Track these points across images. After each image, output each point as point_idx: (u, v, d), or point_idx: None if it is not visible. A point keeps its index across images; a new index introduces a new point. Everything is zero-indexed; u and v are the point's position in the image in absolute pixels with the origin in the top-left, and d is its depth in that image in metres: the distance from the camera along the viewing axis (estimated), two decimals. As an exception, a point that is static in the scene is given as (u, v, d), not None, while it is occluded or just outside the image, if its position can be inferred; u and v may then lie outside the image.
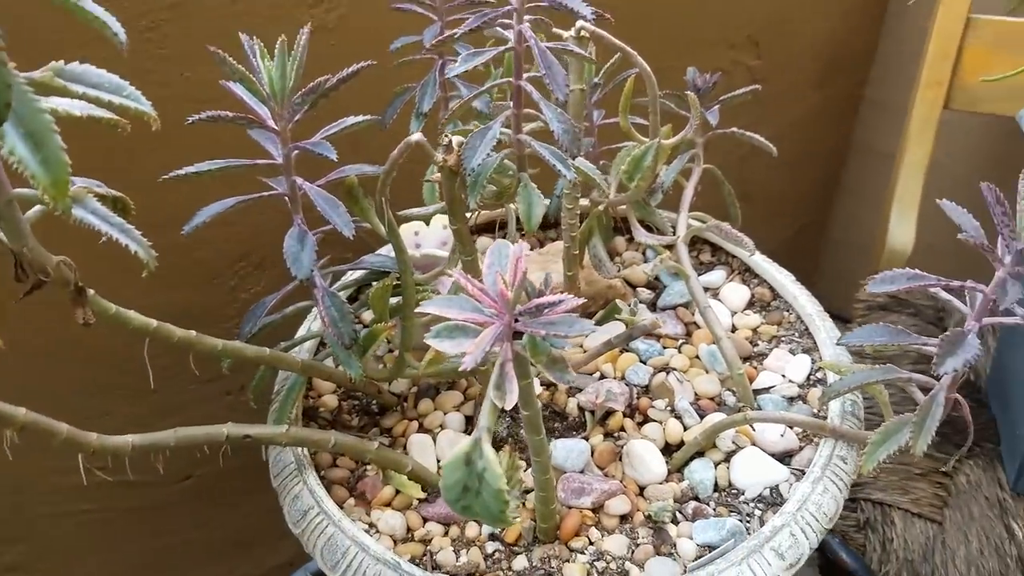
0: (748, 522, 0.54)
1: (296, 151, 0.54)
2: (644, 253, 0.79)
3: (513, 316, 0.41)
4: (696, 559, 0.51)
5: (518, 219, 0.57)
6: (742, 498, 0.56)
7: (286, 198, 0.56)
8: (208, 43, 0.73)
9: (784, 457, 0.58)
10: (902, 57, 1.38)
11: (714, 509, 0.55)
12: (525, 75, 0.52)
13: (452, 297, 0.42)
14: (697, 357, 0.67)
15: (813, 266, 1.61)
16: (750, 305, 0.72)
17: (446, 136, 0.50)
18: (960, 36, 1.03)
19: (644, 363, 0.66)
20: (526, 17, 0.52)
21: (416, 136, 0.49)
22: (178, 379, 0.86)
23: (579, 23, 0.62)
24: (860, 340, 0.50)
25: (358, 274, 0.66)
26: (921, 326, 1.03)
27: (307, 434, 0.55)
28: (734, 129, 0.75)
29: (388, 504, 0.57)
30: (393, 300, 0.60)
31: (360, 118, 0.57)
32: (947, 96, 1.06)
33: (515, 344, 0.42)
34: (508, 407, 0.40)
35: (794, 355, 0.65)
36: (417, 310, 0.44)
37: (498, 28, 0.52)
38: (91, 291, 0.46)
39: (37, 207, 0.41)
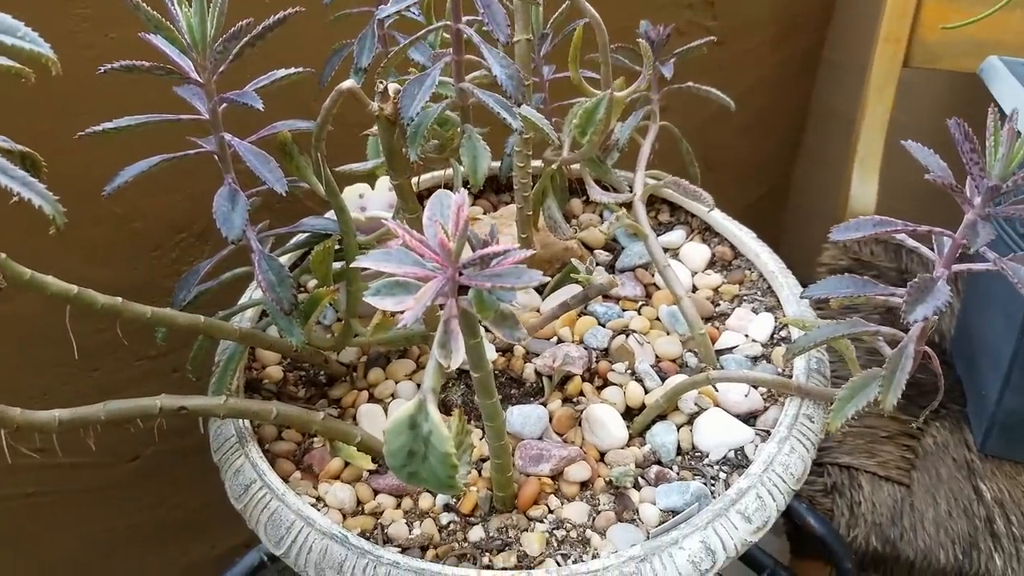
0: (713, 485, 0.52)
1: (224, 104, 0.50)
2: (601, 215, 0.77)
3: (457, 269, 0.38)
4: (659, 524, 0.49)
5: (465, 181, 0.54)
6: (706, 461, 0.53)
7: (215, 156, 0.53)
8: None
9: (749, 418, 0.56)
10: (859, 16, 1.36)
11: (677, 473, 0.53)
12: (465, 19, 0.49)
13: (390, 250, 0.39)
14: (657, 319, 0.64)
15: (776, 233, 1.60)
16: (711, 264, 0.70)
17: (380, 83, 0.47)
18: (918, -9, 1.01)
19: (603, 326, 0.63)
20: (467, -43, 0.49)
21: (348, 83, 0.46)
22: (121, 356, 0.82)
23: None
24: (825, 292, 0.48)
25: (299, 238, 0.63)
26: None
27: (247, 405, 0.52)
28: (690, 84, 0.72)
29: (336, 477, 0.54)
30: (337, 265, 0.57)
31: (291, 71, 0.53)
32: (906, 53, 1.04)
33: (460, 300, 0.39)
34: (453, 366, 0.38)
35: (756, 314, 0.63)
36: (352, 265, 0.40)
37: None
38: (2, 255, 0.42)
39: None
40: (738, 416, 0.56)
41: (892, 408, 0.45)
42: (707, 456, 0.54)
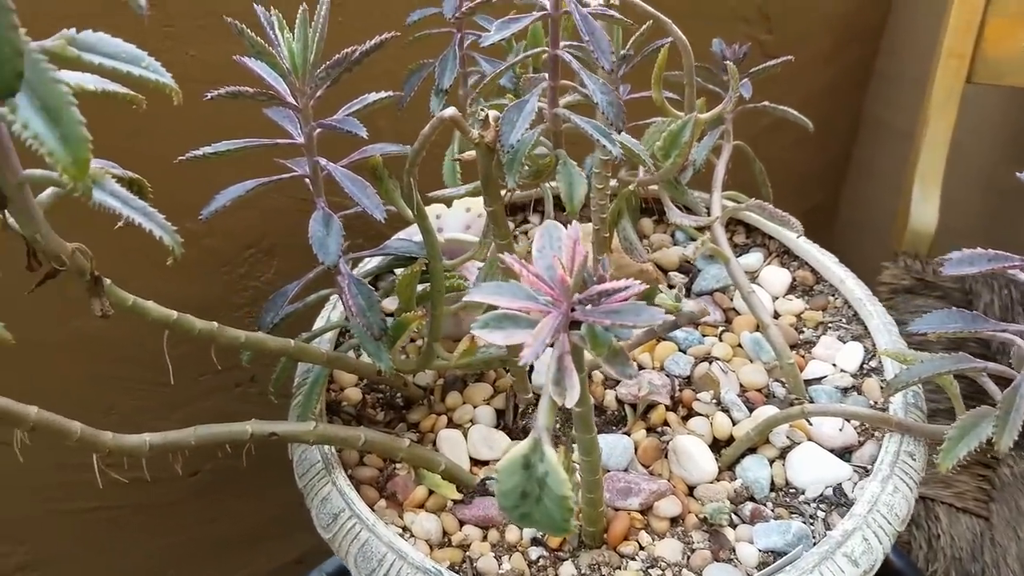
0: (811, 524, 0.50)
1: (318, 130, 0.50)
2: (673, 235, 0.76)
3: (571, 304, 0.37)
4: (759, 566, 0.48)
5: (555, 199, 0.53)
6: (802, 498, 0.52)
7: (307, 180, 0.53)
8: (212, 20, 0.70)
9: (843, 453, 0.54)
10: (916, 29, 1.34)
11: (772, 510, 0.51)
12: (562, 44, 0.48)
13: (503, 284, 0.38)
14: (739, 345, 0.63)
15: (825, 246, 1.58)
16: (791, 289, 0.68)
17: (482, 111, 0.46)
18: (983, 8, 0.99)
19: (684, 352, 0.62)
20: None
21: (450, 111, 0.45)
22: (186, 371, 0.82)
23: (612, -11, 0.58)
24: (933, 327, 0.46)
25: (375, 260, 0.62)
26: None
27: (335, 431, 0.51)
28: (766, 103, 0.72)
29: (421, 506, 0.54)
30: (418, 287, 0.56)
31: (382, 94, 0.53)
32: (969, 69, 1.02)
33: (572, 335, 0.38)
34: (569, 404, 0.37)
35: (844, 343, 0.62)
36: (465, 299, 0.40)
37: (537, -6, 0.48)
38: (107, 281, 0.42)
39: (50, 190, 0.37)
40: (832, 451, 0.54)
41: (1007, 450, 0.44)
42: (803, 493, 0.52)
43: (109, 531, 0.85)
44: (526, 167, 0.49)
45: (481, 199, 0.66)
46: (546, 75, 0.50)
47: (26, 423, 0.43)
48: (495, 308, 0.38)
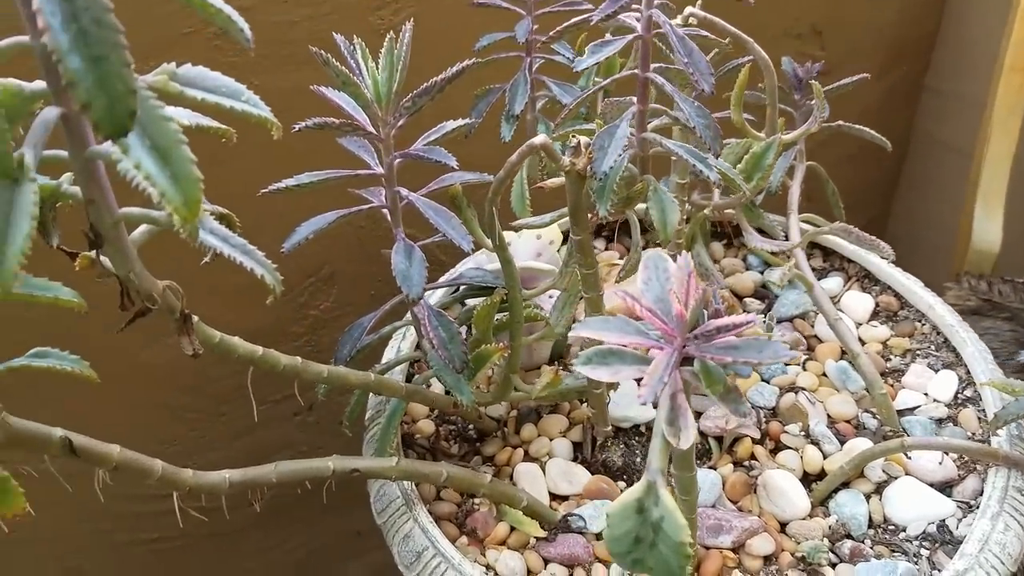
0: (916, 563, 0.48)
1: (399, 160, 0.49)
2: (745, 259, 0.74)
3: (685, 340, 0.35)
4: (863, 607, 0.46)
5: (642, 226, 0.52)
6: (903, 535, 0.50)
7: (385, 211, 0.52)
8: (275, 48, 0.69)
9: (943, 487, 0.52)
10: (970, 44, 1.31)
11: (872, 548, 0.49)
12: (659, 65, 0.47)
13: (609, 318, 0.37)
14: (824, 375, 0.61)
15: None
16: (874, 315, 0.66)
17: (573, 137, 0.45)
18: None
19: (767, 382, 0.60)
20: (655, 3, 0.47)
21: (540, 139, 0.44)
22: (246, 400, 0.81)
23: (688, 9, 0.56)
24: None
25: (439, 291, 0.61)
26: (1020, 332, 0.96)
27: (418, 467, 0.50)
28: (840, 122, 0.70)
29: (503, 542, 0.52)
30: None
31: (460, 122, 0.52)
32: (1034, 83, 1.00)
33: (683, 371, 0.37)
34: (684, 446, 0.35)
35: (935, 371, 0.59)
36: (571, 334, 0.38)
37: (623, 17, 0.47)
38: (195, 318, 0.41)
39: (143, 228, 0.37)
40: (932, 485, 0.52)
41: None
42: (903, 530, 0.50)
43: (169, 562, 0.85)
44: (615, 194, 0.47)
45: (550, 228, 0.65)
46: (632, 99, 0.49)
47: (109, 463, 0.42)
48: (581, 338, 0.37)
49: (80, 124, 0.31)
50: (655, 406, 0.36)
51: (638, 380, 0.60)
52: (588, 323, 0.37)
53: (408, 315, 0.60)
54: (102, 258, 0.36)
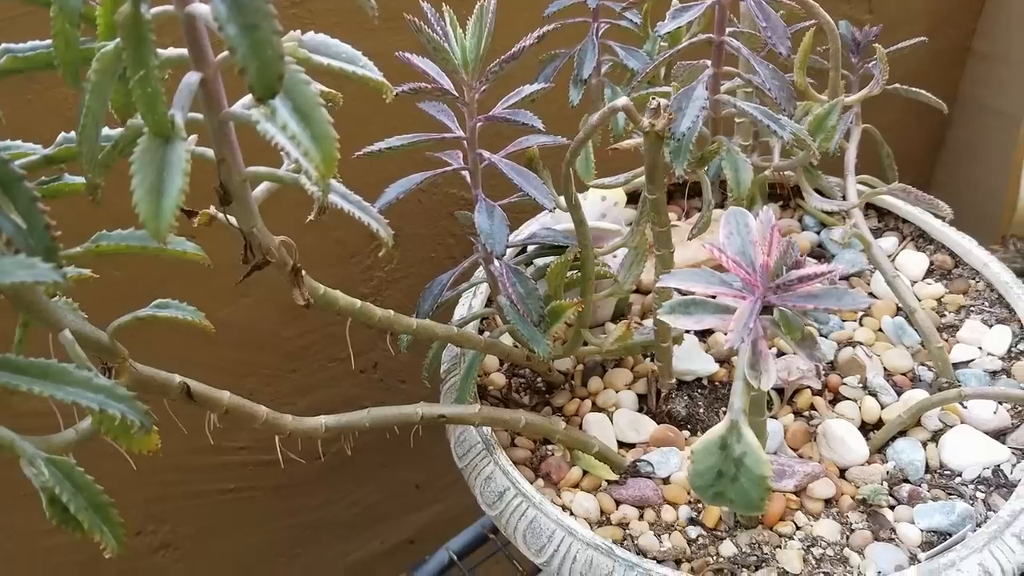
0: (972, 505, 0.50)
1: (480, 123, 0.51)
2: (801, 220, 0.76)
3: (767, 289, 0.38)
4: (922, 545, 0.49)
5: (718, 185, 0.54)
6: (959, 480, 0.52)
7: (464, 173, 0.54)
8: (347, 16, 0.72)
9: (998, 435, 0.54)
10: (1013, 6, 1.30)
11: (929, 491, 0.52)
12: (729, 30, 0.49)
13: (694, 270, 0.39)
14: (880, 330, 0.63)
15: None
16: (928, 273, 0.68)
17: (653, 99, 0.47)
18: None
19: (825, 337, 0.62)
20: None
21: (622, 101, 0.46)
22: (315, 358, 0.85)
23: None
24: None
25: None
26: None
27: (499, 413, 0.53)
28: (897, 85, 0.71)
29: (576, 485, 0.55)
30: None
31: (537, 86, 0.54)
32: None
33: (762, 319, 0.39)
34: (765, 388, 0.38)
35: (989, 326, 0.61)
36: (658, 285, 0.41)
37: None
38: (303, 271, 0.44)
39: (264, 186, 0.40)
40: (987, 433, 0.54)
41: None
42: (959, 475, 0.53)
43: (238, 511, 0.89)
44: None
45: (613, 190, 0.68)
46: (704, 62, 0.51)
47: (220, 407, 0.46)
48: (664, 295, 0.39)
49: (216, 88, 0.34)
50: (735, 352, 0.39)
51: (702, 335, 0.63)
52: (675, 275, 0.39)
53: (475, 274, 0.63)
54: (217, 215, 0.40)
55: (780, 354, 0.62)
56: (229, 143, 0.36)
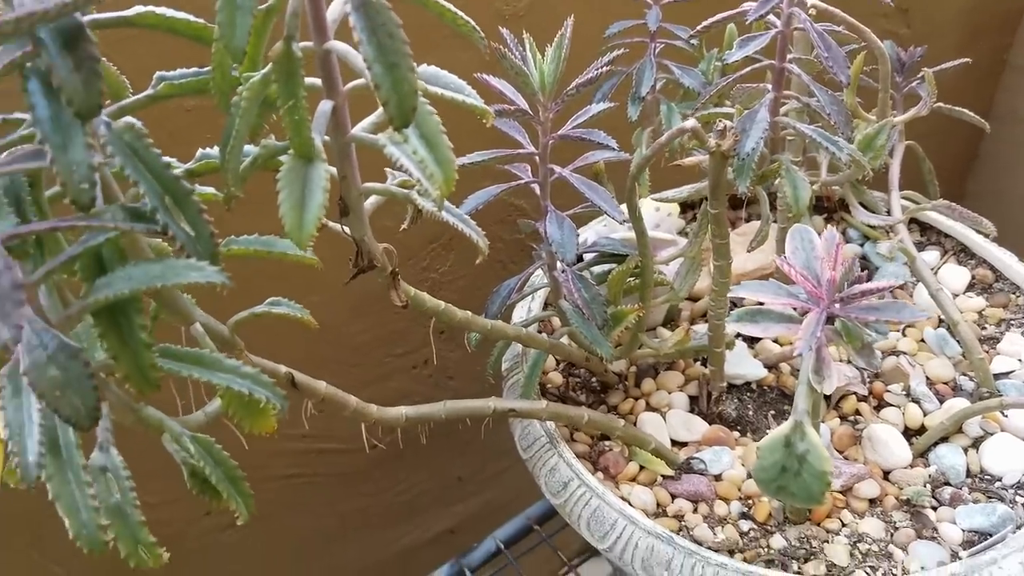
0: (1012, 507, 0.54)
1: (553, 140, 0.55)
2: (844, 232, 0.79)
3: (832, 301, 0.42)
4: (963, 544, 0.52)
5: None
6: (999, 484, 0.55)
7: (534, 186, 0.58)
8: (411, 34, 0.76)
9: (1036, 443, 0.57)
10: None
11: (970, 494, 0.55)
12: (789, 57, 0.53)
13: (764, 282, 0.43)
14: (922, 340, 0.66)
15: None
16: (970, 287, 0.71)
17: (719, 121, 0.50)
18: None
19: (869, 345, 0.66)
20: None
21: (691, 122, 0.50)
22: (375, 354, 0.90)
23: (810, 0, 0.62)
24: None
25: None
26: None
27: (564, 409, 0.57)
28: (940, 104, 0.74)
29: (633, 479, 0.59)
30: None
31: (603, 105, 0.58)
32: None
33: (827, 329, 0.43)
34: (828, 391, 0.41)
35: (1029, 339, 0.64)
36: (730, 294, 0.45)
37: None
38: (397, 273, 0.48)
39: (372, 199, 0.44)
40: (1025, 441, 0.57)
41: None
42: (999, 480, 0.56)
43: (297, 496, 0.94)
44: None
45: (667, 202, 0.71)
46: (765, 86, 0.55)
47: (318, 395, 0.50)
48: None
49: (343, 114, 0.38)
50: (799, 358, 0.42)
51: (751, 341, 0.67)
52: (746, 286, 0.43)
53: (532, 280, 0.66)
54: (344, 225, 0.44)
55: (826, 361, 0.65)
56: (351, 162, 0.40)
